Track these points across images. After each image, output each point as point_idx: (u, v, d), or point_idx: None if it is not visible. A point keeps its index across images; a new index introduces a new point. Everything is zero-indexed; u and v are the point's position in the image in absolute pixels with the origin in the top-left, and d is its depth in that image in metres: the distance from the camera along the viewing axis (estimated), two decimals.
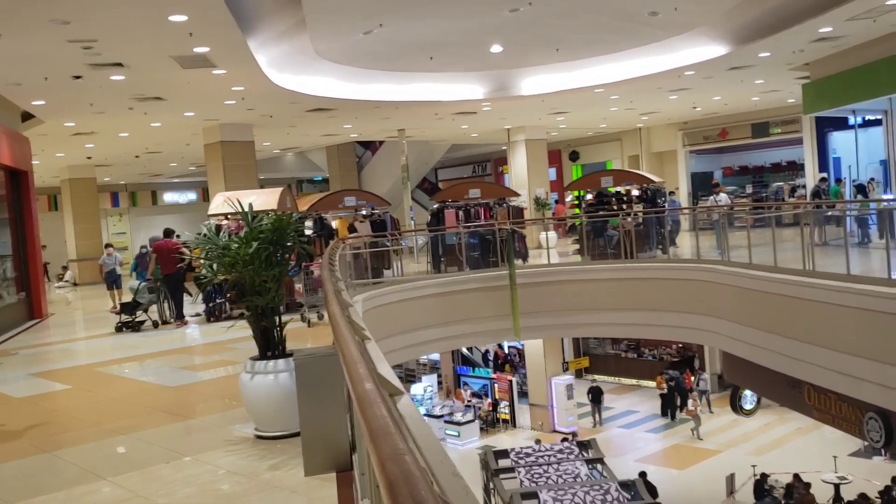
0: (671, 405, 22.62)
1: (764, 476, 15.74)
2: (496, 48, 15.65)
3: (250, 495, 5.35)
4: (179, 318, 14.76)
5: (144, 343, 13.26)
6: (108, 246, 19.85)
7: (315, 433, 5.56)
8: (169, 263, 14.24)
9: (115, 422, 8.22)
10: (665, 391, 22.74)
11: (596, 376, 26.82)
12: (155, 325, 14.69)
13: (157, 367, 11.00)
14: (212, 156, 19.67)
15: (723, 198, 17.28)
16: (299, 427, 5.67)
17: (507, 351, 26.15)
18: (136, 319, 14.59)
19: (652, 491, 15.18)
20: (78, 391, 9.33)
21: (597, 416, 22.63)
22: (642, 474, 15.88)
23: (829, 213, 14.62)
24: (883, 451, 14.59)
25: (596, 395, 22.71)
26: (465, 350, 25.16)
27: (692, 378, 23.16)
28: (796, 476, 15.52)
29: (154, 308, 15.04)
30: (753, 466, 16.29)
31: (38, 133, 17.04)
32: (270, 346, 6.70)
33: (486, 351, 26.32)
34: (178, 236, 15.61)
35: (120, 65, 11.98)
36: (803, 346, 10.62)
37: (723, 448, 19.81)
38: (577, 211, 19.85)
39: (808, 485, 15.01)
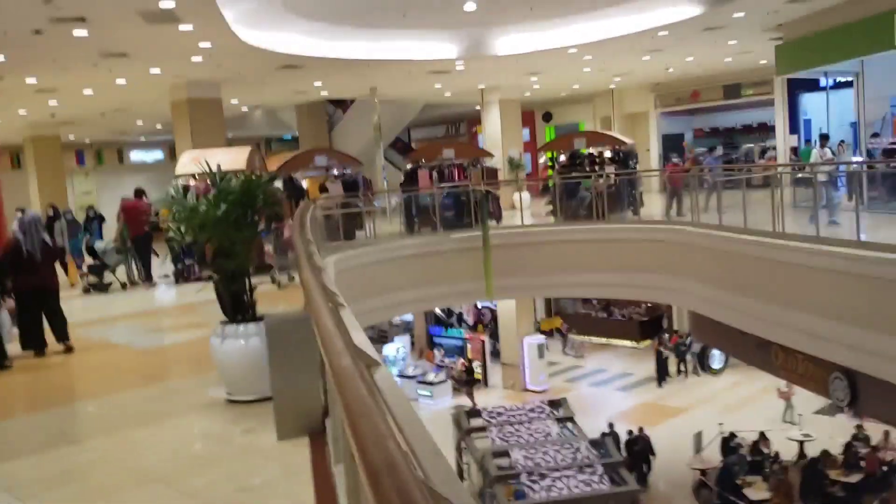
0: (664, 370, 22.36)
1: (731, 434, 16.04)
2: (470, 6, 15.40)
3: (224, 459, 5.32)
4: (148, 279, 14.59)
5: (113, 305, 13.11)
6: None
7: (287, 397, 5.53)
8: (137, 224, 14.03)
9: (86, 386, 8.13)
10: (665, 355, 22.39)
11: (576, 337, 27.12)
12: (123, 286, 14.52)
13: (127, 329, 10.89)
14: (178, 114, 19.26)
15: (827, 152, 15.17)
16: (271, 391, 5.64)
17: (479, 309, 26.28)
18: (104, 281, 14.41)
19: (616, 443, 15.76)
20: (47, 354, 9.17)
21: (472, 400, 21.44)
22: (611, 426, 16.62)
23: (800, 176, 14.73)
24: (846, 409, 14.92)
25: (469, 379, 21.93)
26: (438, 311, 25.20)
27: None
28: (762, 434, 15.85)
29: (122, 269, 14.86)
30: (720, 425, 16.59)
31: None
32: (241, 309, 6.62)
33: (459, 312, 26.40)
34: (145, 197, 15.36)
35: (82, 20, 11.61)
36: (772, 307, 10.77)
37: (690, 406, 20.15)
38: (550, 172, 19.81)
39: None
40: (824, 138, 15.93)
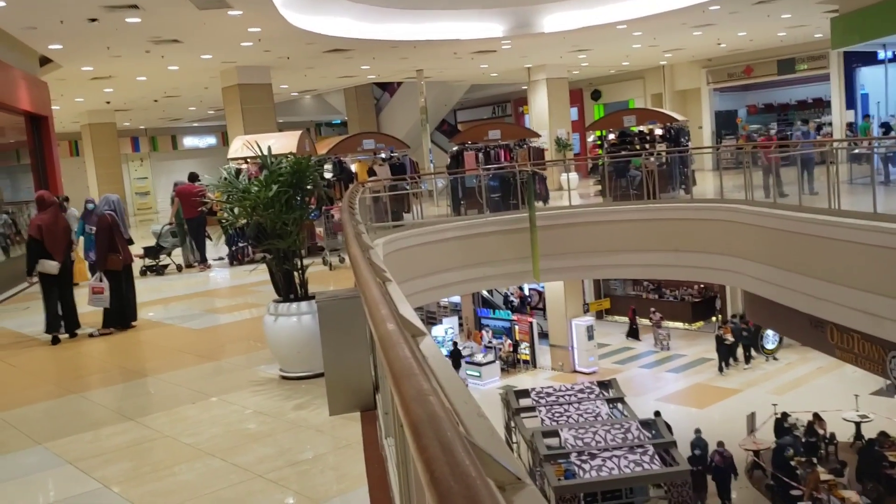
0: (731, 355, 21.39)
1: (784, 415, 15.80)
2: None
3: (276, 435, 5.43)
4: (203, 261, 14.89)
5: (169, 286, 13.42)
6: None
7: (339, 374, 5.63)
8: (191, 207, 14.31)
9: (142, 364, 8.37)
10: (730, 342, 21.38)
11: (616, 317, 26.89)
12: (179, 268, 14.85)
13: (182, 310, 11.14)
14: (230, 99, 19.57)
15: None
16: (323, 368, 5.74)
17: (526, 293, 26.23)
18: (160, 263, 14.75)
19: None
20: (105, 335, 9.45)
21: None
22: (657, 414, 15.98)
23: (857, 151, 14.34)
24: None
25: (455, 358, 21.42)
26: (485, 293, 25.24)
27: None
28: (816, 415, 15.57)
29: (178, 252, 15.18)
30: (774, 405, 16.36)
31: (57, 78, 17.00)
32: (293, 288, 6.74)
33: (507, 294, 26.40)
34: (199, 181, 15.63)
35: (135, 7, 11.85)
36: (827, 285, 10.54)
37: (744, 387, 19.87)
38: (599, 151, 19.61)
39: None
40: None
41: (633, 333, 25.13)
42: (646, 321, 24.92)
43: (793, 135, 17.46)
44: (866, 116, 22.01)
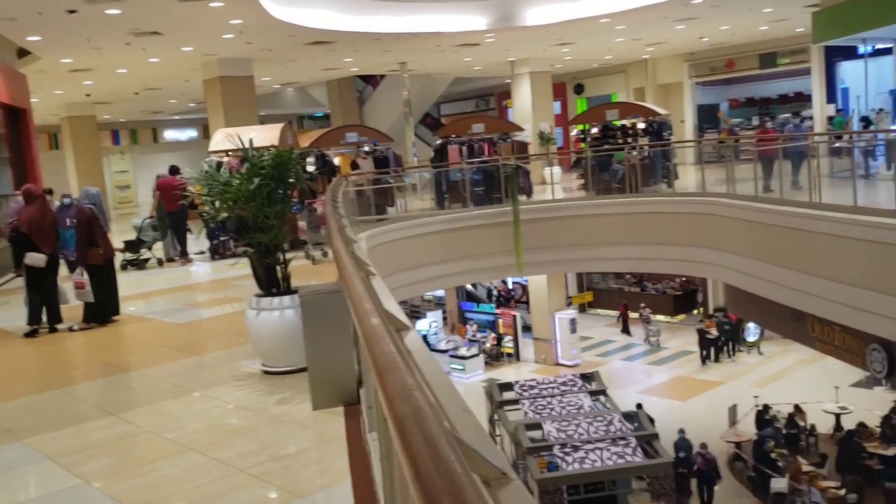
0: (716, 350, 21.31)
1: (766, 407, 15.93)
2: None
3: (259, 429, 5.41)
4: (184, 255, 14.79)
5: (150, 281, 13.32)
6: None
7: (322, 368, 5.61)
8: (172, 201, 14.20)
9: (124, 359, 8.31)
10: (713, 336, 21.34)
11: (598, 310, 26.99)
12: (160, 262, 14.73)
13: (163, 304, 11.07)
14: (211, 92, 19.42)
15: None
16: (306, 362, 5.72)
17: (510, 287, 26.28)
18: (141, 257, 14.63)
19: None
20: (86, 329, 9.37)
21: None
22: (639, 406, 16.01)
23: (837, 145, 14.46)
24: (884, 382, 14.70)
25: None
26: (469, 286, 25.25)
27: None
28: (797, 406, 15.71)
29: (159, 246, 15.07)
30: (755, 397, 16.48)
31: (36, 70, 16.78)
32: (275, 283, 6.70)
33: (491, 287, 26.42)
34: (180, 174, 15.51)
35: None
36: (808, 278, 10.63)
37: (725, 380, 20.02)
38: (582, 145, 19.64)
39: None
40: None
41: (626, 329, 25.05)
42: (635, 314, 24.99)
43: (785, 127, 17.55)
44: (839, 111, 22.25)
